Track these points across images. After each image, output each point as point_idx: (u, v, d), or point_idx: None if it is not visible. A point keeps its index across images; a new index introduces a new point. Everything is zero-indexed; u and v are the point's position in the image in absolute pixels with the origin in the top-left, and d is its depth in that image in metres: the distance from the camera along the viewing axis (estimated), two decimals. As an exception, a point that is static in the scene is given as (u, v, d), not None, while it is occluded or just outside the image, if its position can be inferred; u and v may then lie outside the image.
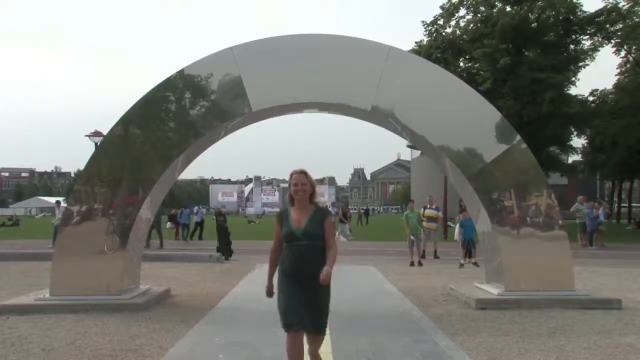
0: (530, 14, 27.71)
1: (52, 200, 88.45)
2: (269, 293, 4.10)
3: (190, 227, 24.25)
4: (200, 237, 23.96)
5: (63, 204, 21.69)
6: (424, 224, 15.21)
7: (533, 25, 27.80)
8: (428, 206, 15.99)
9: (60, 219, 19.80)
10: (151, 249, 17.54)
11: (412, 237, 13.96)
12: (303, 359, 3.89)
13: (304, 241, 3.87)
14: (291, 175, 4.06)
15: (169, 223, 36.93)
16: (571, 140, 31.38)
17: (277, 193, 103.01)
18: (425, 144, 8.57)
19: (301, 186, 3.98)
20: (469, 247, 13.68)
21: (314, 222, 3.93)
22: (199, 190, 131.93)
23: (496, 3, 29.23)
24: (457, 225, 16.12)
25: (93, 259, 7.52)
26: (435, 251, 15.54)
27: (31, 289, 8.71)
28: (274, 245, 4.13)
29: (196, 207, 26.97)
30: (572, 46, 29.39)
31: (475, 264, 13.08)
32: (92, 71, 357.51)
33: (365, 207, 61.22)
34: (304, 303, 3.82)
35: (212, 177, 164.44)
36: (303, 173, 4.05)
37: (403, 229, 14.68)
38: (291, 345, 3.84)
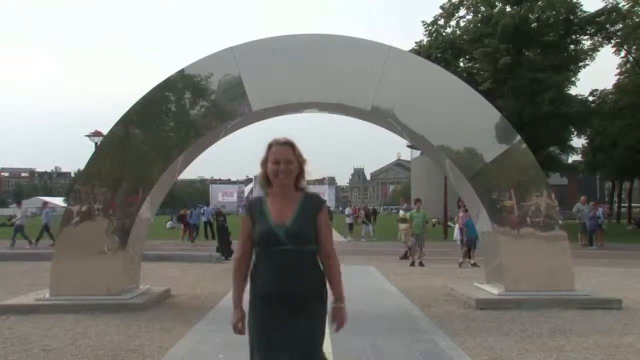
0: (530, 14, 27.73)
1: (52, 200, 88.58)
2: (238, 328, 2.79)
3: (200, 228, 24.13)
4: (206, 237, 23.95)
5: (24, 204, 21.90)
6: (403, 226, 15.33)
7: (533, 25, 27.82)
8: (404, 207, 16.21)
9: (21, 218, 20.07)
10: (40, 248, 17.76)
11: (412, 237, 13.96)
12: None
13: (288, 245, 2.63)
14: (269, 147, 2.78)
15: (169, 222, 36.94)
16: (571, 140, 31.43)
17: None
18: (425, 144, 8.57)
19: (285, 165, 2.69)
20: (470, 247, 13.66)
21: (304, 216, 2.70)
22: (199, 190, 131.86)
23: (496, 3, 29.25)
24: (457, 226, 16.16)
25: (93, 259, 7.52)
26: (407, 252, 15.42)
27: (31, 289, 8.71)
28: (240, 251, 2.82)
29: (204, 207, 26.84)
30: (572, 46, 29.42)
31: (475, 264, 13.08)
32: (93, 71, 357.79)
33: (373, 207, 61.19)
34: (291, 339, 2.62)
35: (212, 177, 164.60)
36: (289, 145, 2.76)
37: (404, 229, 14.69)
38: None
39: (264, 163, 2.77)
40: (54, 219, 21.40)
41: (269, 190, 2.81)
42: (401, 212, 16.28)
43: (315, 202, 2.78)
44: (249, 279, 2.77)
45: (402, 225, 15.55)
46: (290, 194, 2.76)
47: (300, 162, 2.78)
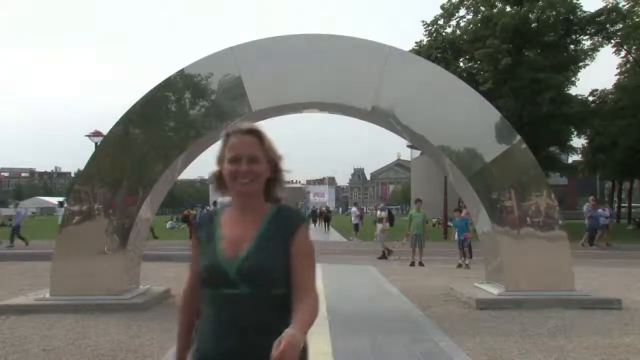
0: (530, 14, 27.74)
1: (52, 200, 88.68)
2: None
3: None
4: None
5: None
6: (381, 225, 15.48)
7: (533, 25, 27.83)
8: (381, 207, 16.40)
9: None
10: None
11: (408, 237, 13.98)
12: None
13: (241, 288, 1.75)
14: (226, 137, 1.86)
15: (169, 222, 36.86)
16: (571, 140, 31.46)
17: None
18: (425, 144, 8.58)
19: (248, 164, 1.80)
20: (462, 247, 13.68)
21: (269, 244, 1.80)
22: (199, 190, 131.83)
23: (496, 3, 29.27)
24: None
25: (93, 259, 7.52)
26: (391, 251, 15.56)
27: (31, 289, 8.71)
28: (187, 284, 2.00)
29: (210, 207, 26.79)
30: (572, 46, 29.43)
31: (467, 265, 13.09)
32: (93, 71, 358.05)
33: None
34: None
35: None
36: (254, 134, 1.84)
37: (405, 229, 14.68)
38: None
39: (220, 161, 1.87)
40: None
41: (222, 194, 1.94)
42: (378, 212, 16.45)
43: (289, 220, 1.85)
44: (195, 335, 1.90)
45: (380, 226, 15.74)
46: (256, 207, 1.85)
47: (272, 160, 1.86)
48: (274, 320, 1.73)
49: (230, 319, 1.75)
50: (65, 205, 19.02)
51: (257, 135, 1.85)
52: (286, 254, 1.79)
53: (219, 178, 1.89)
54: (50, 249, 8.22)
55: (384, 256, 15.39)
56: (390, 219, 16.17)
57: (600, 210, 20.90)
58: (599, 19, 27.89)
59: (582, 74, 30.26)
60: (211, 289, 1.80)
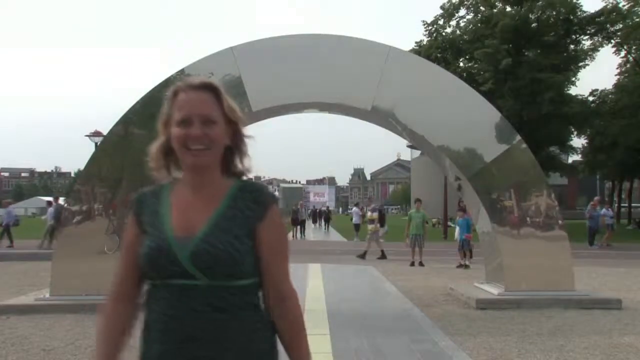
0: (530, 14, 27.77)
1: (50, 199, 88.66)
2: None
3: None
4: None
5: None
6: (371, 226, 15.57)
7: (533, 25, 27.87)
8: (371, 208, 16.47)
9: None
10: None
11: (410, 237, 13.98)
12: None
13: (196, 278, 1.40)
14: (174, 93, 1.53)
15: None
16: (571, 140, 31.52)
17: (277, 193, 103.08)
18: (425, 144, 8.58)
19: (202, 127, 1.45)
20: (463, 248, 13.66)
21: (230, 224, 1.45)
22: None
23: (496, 3, 29.31)
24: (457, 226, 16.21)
25: (93, 259, 7.51)
26: (383, 251, 15.66)
27: (31, 289, 8.71)
28: (114, 285, 1.61)
29: None
30: (572, 46, 29.49)
31: (467, 265, 13.08)
32: (93, 71, 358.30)
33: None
34: None
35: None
36: (209, 89, 1.52)
37: (405, 229, 14.68)
38: None
39: (164, 124, 1.53)
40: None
41: (171, 174, 1.59)
42: (369, 213, 16.60)
43: (256, 197, 1.49)
44: (140, 337, 1.52)
45: (370, 226, 15.88)
46: (213, 182, 1.50)
47: (232, 120, 1.52)
48: (236, 320, 1.41)
49: (181, 318, 1.40)
50: (54, 204, 19.01)
51: (213, 91, 1.50)
52: (253, 238, 1.45)
53: (163, 149, 1.53)
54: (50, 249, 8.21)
55: (383, 256, 15.41)
56: (381, 219, 16.29)
57: (604, 210, 20.95)
58: (599, 19, 27.96)
59: (582, 74, 30.33)
60: (156, 279, 1.44)
